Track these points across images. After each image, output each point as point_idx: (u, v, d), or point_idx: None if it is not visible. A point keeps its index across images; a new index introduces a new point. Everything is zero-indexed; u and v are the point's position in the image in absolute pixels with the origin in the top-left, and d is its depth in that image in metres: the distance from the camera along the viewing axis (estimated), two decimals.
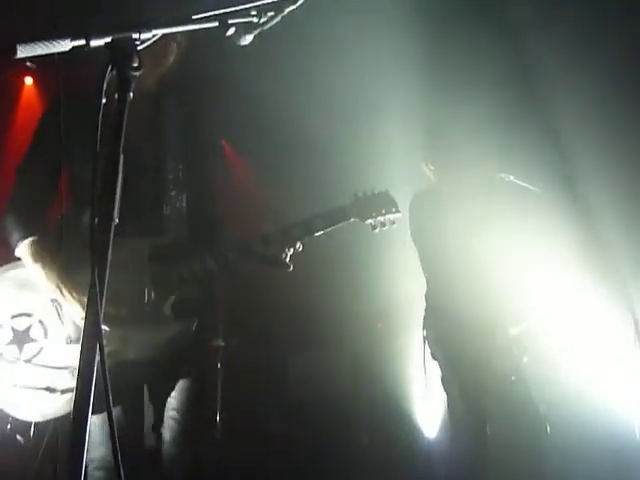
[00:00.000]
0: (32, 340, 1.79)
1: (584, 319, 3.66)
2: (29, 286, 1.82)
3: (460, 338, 2.87)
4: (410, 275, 3.63)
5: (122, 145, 0.99)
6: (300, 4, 1.46)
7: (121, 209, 0.95)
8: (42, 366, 1.77)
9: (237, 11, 1.37)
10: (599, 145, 3.67)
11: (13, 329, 1.79)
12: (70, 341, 1.81)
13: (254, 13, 1.41)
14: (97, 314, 0.91)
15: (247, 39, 1.69)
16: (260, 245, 1.88)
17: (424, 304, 3.21)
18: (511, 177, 3.08)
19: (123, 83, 1.02)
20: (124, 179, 1.79)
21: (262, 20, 1.43)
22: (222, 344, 4.93)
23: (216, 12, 1.31)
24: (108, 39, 1.03)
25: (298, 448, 4.30)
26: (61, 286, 1.79)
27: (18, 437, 3.28)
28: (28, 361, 1.76)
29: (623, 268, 3.58)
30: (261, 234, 1.90)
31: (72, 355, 1.81)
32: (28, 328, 1.79)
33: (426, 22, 4.20)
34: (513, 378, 2.87)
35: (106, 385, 0.88)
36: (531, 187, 3.11)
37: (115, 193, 0.96)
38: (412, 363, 4.52)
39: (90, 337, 0.90)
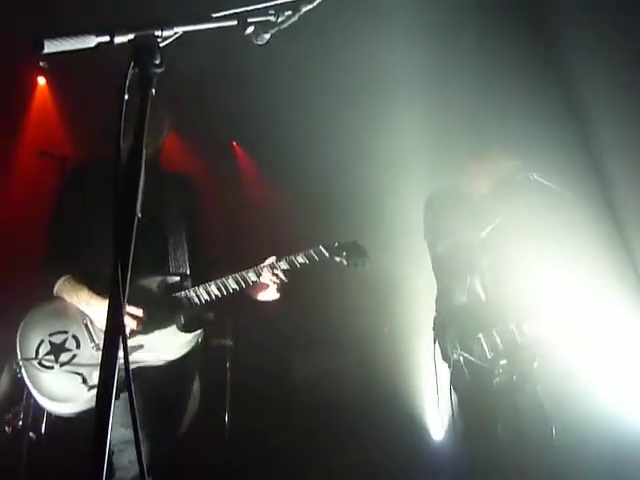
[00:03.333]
0: (67, 350, 2.17)
1: (601, 326, 3.62)
2: (64, 313, 2.24)
3: (466, 335, 2.86)
4: (418, 276, 3.62)
5: (144, 140, 1.00)
6: (317, 4, 1.47)
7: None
8: (76, 365, 2.16)
9: (255, 10, 1.38)
10: (630, 147, 3.62)
11: (51, 343, 2.19)
12: (98, 348, 2.19)
13: (272, 12, 1.42)
14: (120, 309, 0.92)
15: (264, 38, 1.70)
16: (254, 275, 2.25)
17: (434, 306, 3.20)
18: (535, 175, 3.05)
19: (145, 80, 1.03)
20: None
21: (279, 19, 1.44)
22: (230, 343, 4.94)
23: (235, 11, 1.32)
24: (131, 36, 1.04)
25: (303, 449, 4.30)
26: (92, 304, 2.18)
27: (30, 434, 3.30)
28: (64, 364, 2.15)
29: None
30: (254, 267, 2.27)
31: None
32: (64, 341, 2.18)
33: (449, 17, 4.18)
34: (515, 377, 2.86)
35: (128, 376, 0.89)
36: (555, 187, 3.07)
37: (138, 188, 0.97)
38: (419, 365, 4.51)
39: (113, 331, 0.91)
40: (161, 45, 1.08)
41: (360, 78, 4.66)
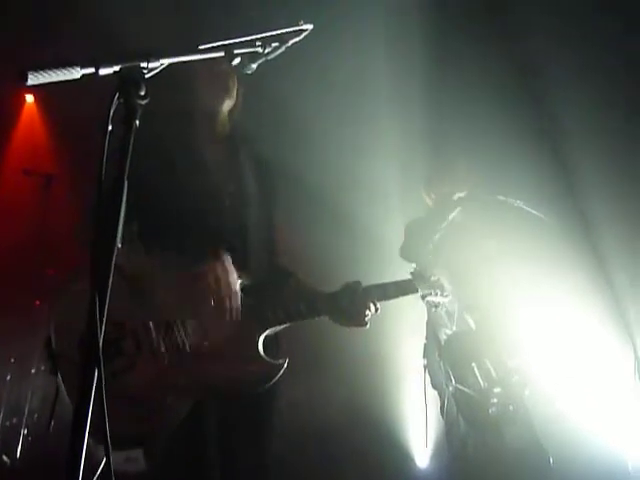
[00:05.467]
0: (122, 354, 1.61)
1: (584, 353, 3.64)
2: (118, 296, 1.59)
3: (459, 367, 2.86)
4: (408, 301, 3.62)
5: (127, 171, 1.00)
6: (303, 37, 1.50)
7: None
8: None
9: (242, 42, 1.40)
10: (607, 173, 3.67)
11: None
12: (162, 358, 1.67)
13: (259, 44, 1.44)
14: (97, 339, 0.91)
15: (252, 68, 1.72)
16: (346, 299, 1.88)
17: (425, 332, 3.20)
18: (519, 203, 3.09)
19: (130, 111, 1.03)
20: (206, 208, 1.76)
21: (267, 50, 1.46)
22: None
23: (222, 42, 1.34)
24: (117, 68, 1.04)
25: (286, 473, 4.23)
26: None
27: (4, 457, 3.23)
28: (116, 375, 1.59)
29: (625, 302, 3.58)
30: (346, 289, 1.90)
31: None
32: (118, 339, 1.61)
33: (428, 44, 4.25)
34: (511, 408, 2.85)
35: (103, 411, 0.88)
36: (536, 213, 3.11)
37: (119, 219, 0.97)
38: (406, 391, 4.49)
39: (89, 363, 0.90)
40: (147, 76, 1.09)
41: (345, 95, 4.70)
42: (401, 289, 2.05)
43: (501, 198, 3.13)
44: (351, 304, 1.87)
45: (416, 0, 4.15)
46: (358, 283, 1.92)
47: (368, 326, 1.90)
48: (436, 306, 2.18)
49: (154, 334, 1.63)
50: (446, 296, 2.17)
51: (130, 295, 1.64)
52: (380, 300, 1.94)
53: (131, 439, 1.54)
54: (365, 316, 1.88)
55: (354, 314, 1.88)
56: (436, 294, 2.14)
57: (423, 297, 2.14)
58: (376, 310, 1.91)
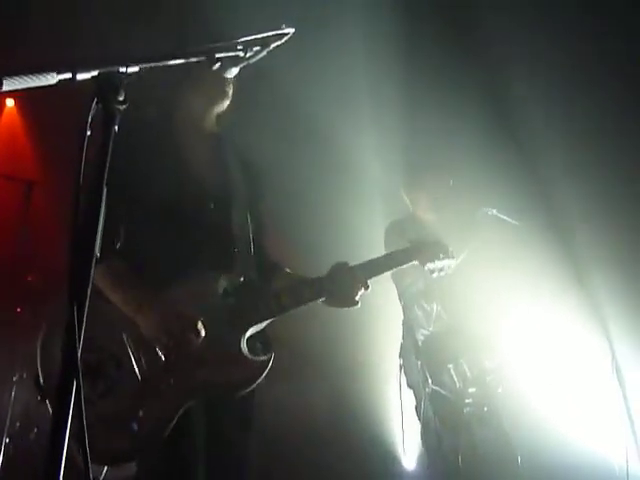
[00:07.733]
0: (104, 376, 1.61)
1: (561, 350, 3.70)
2: (103, 318, 1.64)
3: (436, 367, 2.88)
4: (389, 306, 3.64)
5: (106, 179, 0.98)
6: (285, 40, 1.49)
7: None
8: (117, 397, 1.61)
9: (223, 46, 1.38)
10: (579, 176, 3.73)
11: (84, 364, 1.55)
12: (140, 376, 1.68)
13: (240, 47, 1.43)
14: (75, 351, 0.89)
15: (233, 72, 1.71)
16: (333, 281, 1.86)
17: (401, 332, 3.22)
18: (493, 211, 3.12)
19: (108, 117, 1.01)
20: (191, 211, 1.78)
21: (248, 54, 1.45)
22: None
23: (203, 46, 1.32)
24: (94, 73, 1.03)
25: (272, 478, 4.21)
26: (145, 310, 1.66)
27: None
28: (102, 397, 1.59)
29: (601, 300, 3.63)
30: (333, 271, 1.89)
31: None
32: (99, 364, 1.61)
33: (408, 55, 4.29)
34: (485, 409, 2.88)
35: (82, 425, 0.86)
36: (511, 220, 3.16)
37: (97, 227, 0.95)
38: (390, 395, 4.50)
39: (68, 375, 0.88)
40: (125, 82, 1.07)
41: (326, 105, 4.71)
42: (394, 260, 2.01)
43: (476, 206, 3.18)
44: (339, 285, 1.86)
45: (389, 6, 4.18)
46: (344, 264, 1.90)
47: (359, 305, 1.88)
48: (440, 270, 2.05)
49: (132, 349, 1.63)
50: (452, 257, 2.07)
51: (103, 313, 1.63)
52: (371, 277, 1.91)
53: (123, 455, 1.58)
54: (355, 295, 1.87)
55: (343, 295, 1.87)
56: (439, 258, 2.06)
57: (424, 264, 2.04)
58: (366, 288, 1.88)
